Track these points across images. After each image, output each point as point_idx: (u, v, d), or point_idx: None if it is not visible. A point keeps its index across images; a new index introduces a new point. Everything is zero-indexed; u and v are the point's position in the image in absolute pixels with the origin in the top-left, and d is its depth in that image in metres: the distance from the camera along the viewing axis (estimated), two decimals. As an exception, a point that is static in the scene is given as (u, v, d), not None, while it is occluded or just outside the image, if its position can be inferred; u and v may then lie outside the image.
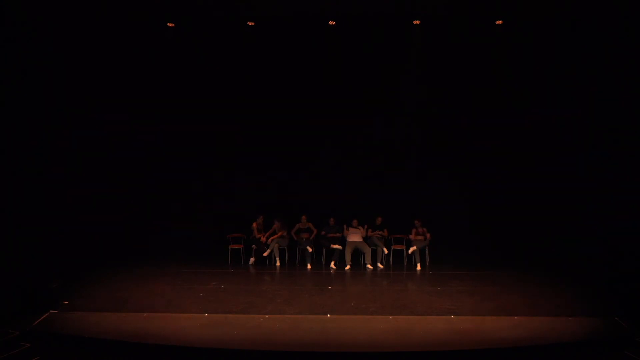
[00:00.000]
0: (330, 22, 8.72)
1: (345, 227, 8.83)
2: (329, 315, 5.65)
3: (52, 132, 7.65)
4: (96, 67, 8.35)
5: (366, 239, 8.68)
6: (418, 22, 8.65)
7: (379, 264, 8.53)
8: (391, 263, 8.71)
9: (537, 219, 8.80)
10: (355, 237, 8.61)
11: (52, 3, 7.11)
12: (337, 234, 8.83)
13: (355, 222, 8.78)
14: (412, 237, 8.72)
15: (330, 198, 9.45)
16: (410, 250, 8.56)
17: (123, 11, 7.99)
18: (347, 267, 8.43)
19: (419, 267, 8.39)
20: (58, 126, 7.68)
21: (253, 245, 8.78)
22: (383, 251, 8.58)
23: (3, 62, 6.54)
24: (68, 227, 7.93)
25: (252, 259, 8.79)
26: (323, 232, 8.87)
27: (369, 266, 8.45)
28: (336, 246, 8.61)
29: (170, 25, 8.88)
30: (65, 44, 7.61)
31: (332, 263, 8.52)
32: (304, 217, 9.00)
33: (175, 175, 9.69)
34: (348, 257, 8.48)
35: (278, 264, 8.57)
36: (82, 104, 8.10)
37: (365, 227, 8.82)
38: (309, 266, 8.47)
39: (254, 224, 8.89)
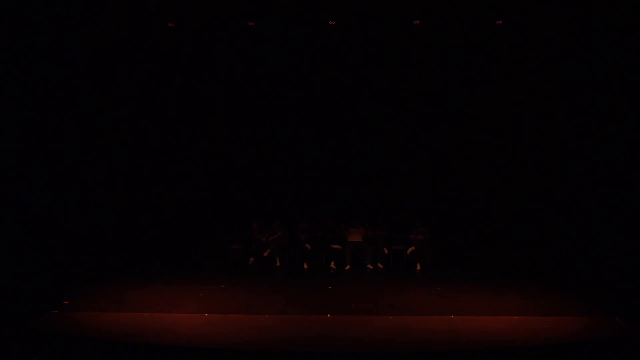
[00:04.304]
0: (330, 22, 8.70)
1: (344, 226, 8.83)
2: (329, 315, 5.65)
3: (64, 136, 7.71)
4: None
5: (366, 238, 8.68)
6: (418, 22, 8.63)
7: (379, 264, 8.53)
8: (391, 263, 8.70)
9: (537, 218, 8.79)
10: (355, 237, 8.61)
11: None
12: (335, 234, 8.83)
13: (355, 222, 8.78)
14: (412, 236, 8.71)
15: (331, 197, 9.47)
16: (410, 250, 8.56)
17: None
18: (347, 267, 8.43)
19: (419, 267, 8.40)
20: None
21: (253, 245, 8.78)
22: (383, 251, 8.58)
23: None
24: (69, 228, 7.94)
25: (251, 259, 8.79)
26: (320, 234, 8.87)
27: (369, 266, 8.46)
28: (336, 246, 8.62)
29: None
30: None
31: (332, 263, 8.52)
32: (306, 223, 8.99)
33: (175, 174, 9.68)
34: (348, 257, 8.48)
35: (278, 264, 8.57)
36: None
37: (366, 226, 8.82)
38: (305, 265, 8.47)
39: (254, 224, 8.89)
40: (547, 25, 8.14)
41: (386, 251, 8.63)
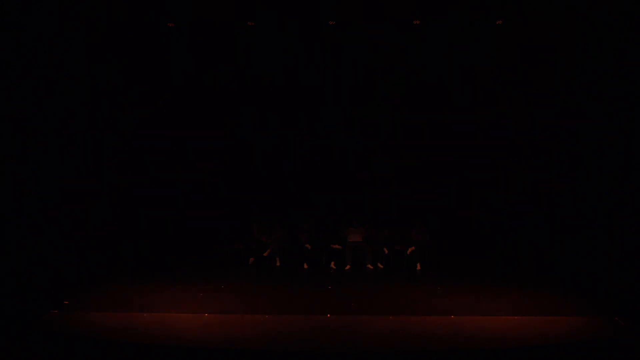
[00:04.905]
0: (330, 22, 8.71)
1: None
2: (329, 315, 5.65)
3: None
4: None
5: (366, 238, 8.68)
6: (418, 22, 8.64)
7: (379, 264, 8.53)
8: (391, 263, 8.69)
9: (537, 218, 8.80)
10: (355, 237, 8.61)
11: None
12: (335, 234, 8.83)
13: (355, 222, 8.78)
14: (412, 236, 8.71)
15: (331, 197, 9.47)
16: (410, 250, 8.56)
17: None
18: (347, 267, 8.43)
19: (419, 267, 8.40)
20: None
21: (253, 245, 8.77)
22: (383, 251, 8.58)
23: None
24: (69, 228, 7.94)
25: (251, 259, 8.78)
26: (320, 234, 8.87)
27: (369, 266, 8.46)
28: (336, 246, 8.62)
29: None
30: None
31: (332, 263, 8.52)
32: (307, 223, 9.00)
33: (174, 173, 9.68)
34: (348, 257, 8.48)
35: (278, 264, 8.57)
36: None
37: (366, 226, 8.82)
38: (305, 265, 8.47)
39: (255, 225, 8.89)
40: (547, 25, 8.16)
41: (386, 251, 8.63)
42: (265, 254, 8.59)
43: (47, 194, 7.61)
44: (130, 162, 9.18)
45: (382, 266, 8.53)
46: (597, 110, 8.02)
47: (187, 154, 9.69)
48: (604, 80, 7.78)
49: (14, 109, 7.01)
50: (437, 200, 9.48)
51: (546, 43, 8.43)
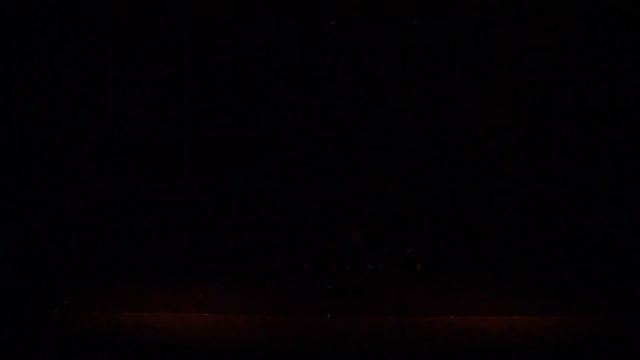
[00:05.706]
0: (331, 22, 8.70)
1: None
2: (329, 316, 5.65)
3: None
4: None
5: (366, 238, 8.67)
6: (417, 21, 8.63)
7: (379, 264, 8.53)
8: (391, 263, 8.69)
9: (537, 217, 8.79)
10: (355, 237, 8.61)
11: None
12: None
13: (355, 222, 8.78)
14: (412, 236, 8.70)
15: (331, 197, 9.46)
16: (410, 250, 8.55)
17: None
18: (347, 267, 8.43)
19: (419, 267, 8.39)
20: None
21: (254, 245, 8.77)
22: (383, 251, 8.58)
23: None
24: (69, 227, 7.94)
25: (252, 259, 8.78)
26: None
27: (369, 266, 8.46)
28: (336, 246, 8.62)
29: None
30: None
31: (332, 263, 8.52)
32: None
33: (175, 173, 9.66)
34: (348, 257, 8.48)
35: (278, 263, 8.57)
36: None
37: (366, 226, 8.82)
38: (305, 265, 8.47)
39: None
40: (548, 25, 8.15)
41: (386, 251, 8.62)
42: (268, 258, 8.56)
43: (47, 193, 7.62)
44: (130, 161, 9.17)
45: (382, 266, 8.52)
46: (596, 111, 8.03)
47: (189, 153, 9.70)
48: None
49: (10, 108, 7.01)
50: (438, 199, 9.47)
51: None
